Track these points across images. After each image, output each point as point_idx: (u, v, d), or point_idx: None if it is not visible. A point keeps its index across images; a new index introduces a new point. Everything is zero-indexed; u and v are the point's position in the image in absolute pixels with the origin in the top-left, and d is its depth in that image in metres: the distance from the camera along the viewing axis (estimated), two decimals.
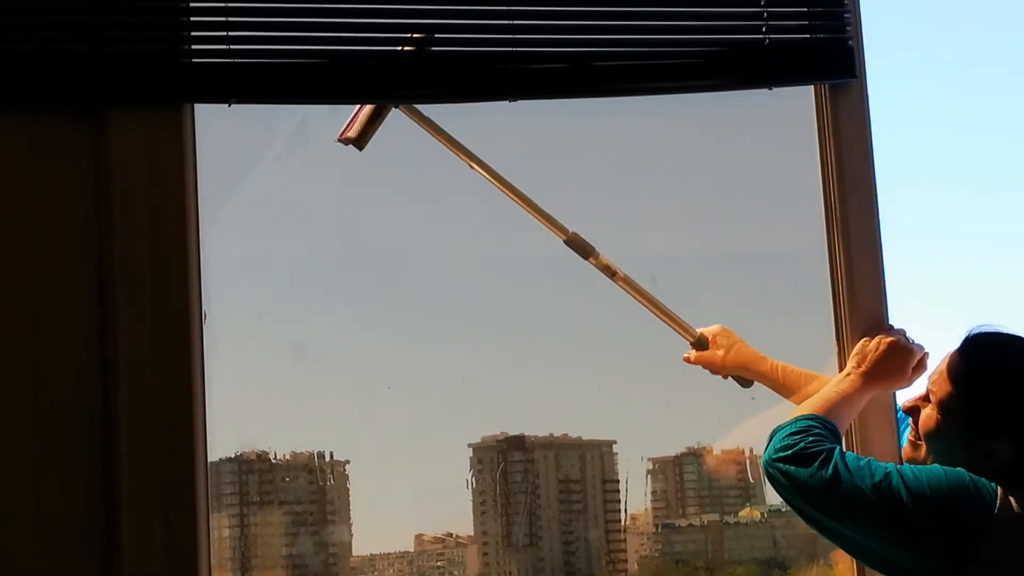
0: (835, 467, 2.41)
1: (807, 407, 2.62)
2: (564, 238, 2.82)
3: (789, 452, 2.46)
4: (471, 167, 2.79)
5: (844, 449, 2.53)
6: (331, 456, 3.51)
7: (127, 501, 2.45)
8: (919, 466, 2.50)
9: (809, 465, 2.42)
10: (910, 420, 2.66)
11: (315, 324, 3.03)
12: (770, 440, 2.55)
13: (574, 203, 3.19)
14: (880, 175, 2.92)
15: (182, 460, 2.52)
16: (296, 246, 2.99)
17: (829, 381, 2.74)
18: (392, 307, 3.13)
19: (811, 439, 2.48)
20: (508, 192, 2.80)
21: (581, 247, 2.83)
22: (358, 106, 2.74)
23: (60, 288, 2.47)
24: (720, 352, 2.92)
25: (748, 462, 3.63)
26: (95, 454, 2.46)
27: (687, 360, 2.94)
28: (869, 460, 2.48)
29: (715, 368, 2.93)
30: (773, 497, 3.59)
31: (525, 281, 3.20)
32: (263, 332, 2.95)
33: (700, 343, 2.92)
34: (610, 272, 2.84)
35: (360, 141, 2.73)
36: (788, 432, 2.52)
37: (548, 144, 3.19)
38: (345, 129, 2.74)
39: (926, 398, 2.61)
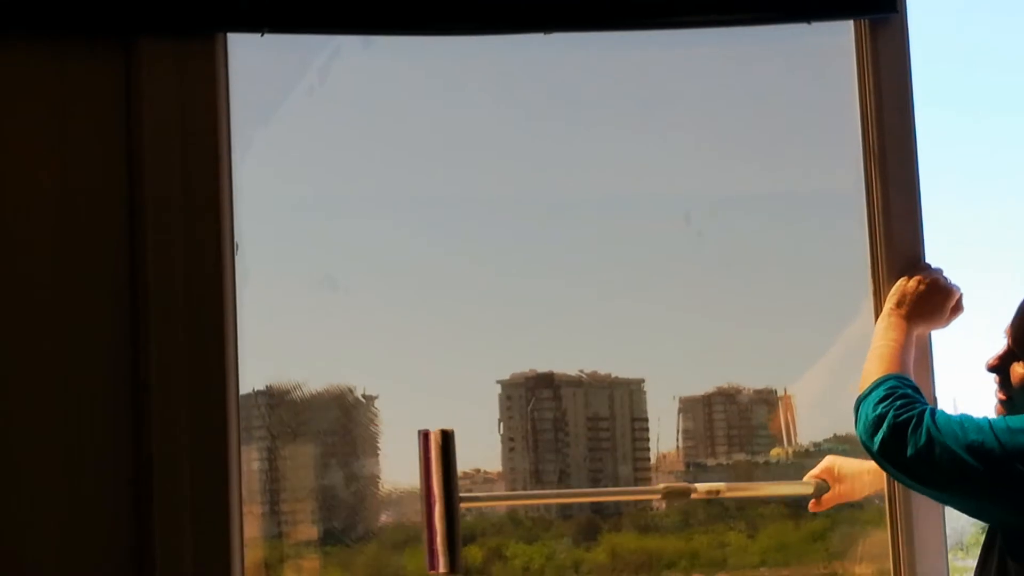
0: (928, 433, 2.38)
1: (879, 365, 2.58)
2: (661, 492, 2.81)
3: (885, 428, 2.42)
4: None
5: (933, 407, 2.49)
6: (362, 390, 3.50)
7: (157, 435, 2.45)
8: (1013, 417, 2.45)
9: (903, 438, 2.39)
10: (995, 379, 2.60)
11: (346, 258, 3.01)
12: (857, 412, 2.51)
13: (606, 142, 3.16)
14: (919, 113, 2.89)
15: (213, 392, 2.52)
16: (328, 179, 2.97)
17: None
18: (422, 243, 3.12)
19: (899, 403, 2.44)
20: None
21: (680, 493, 2.82)
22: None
23: (90, 221, 2.46)
24: (842, 485, 2.97)
25: (780, 402, 3.61)
26: (126, 387, 2.46)
27: (816, 510, 3.03)
28: (961, 418, 2.43)
29: (853, 497, 2.95)
30: (804, 438, 3.58)
31: (556, 219, 3.18)
32: (294, 265, 2.93)
33: (819, 489, 2.97)
34: (715, 492, 2.87)
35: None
36: (875, 401, 2.48)
37: (581, 81, 3.16)
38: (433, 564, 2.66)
39: (1009, 354, 2.55)
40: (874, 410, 2.43)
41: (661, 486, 2.79)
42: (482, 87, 2.88)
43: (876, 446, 2.40)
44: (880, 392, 2.46)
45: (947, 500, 2.48)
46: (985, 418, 2.43)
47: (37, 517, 2.39)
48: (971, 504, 2.42)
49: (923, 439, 2.34)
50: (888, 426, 2.39)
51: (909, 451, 2.34)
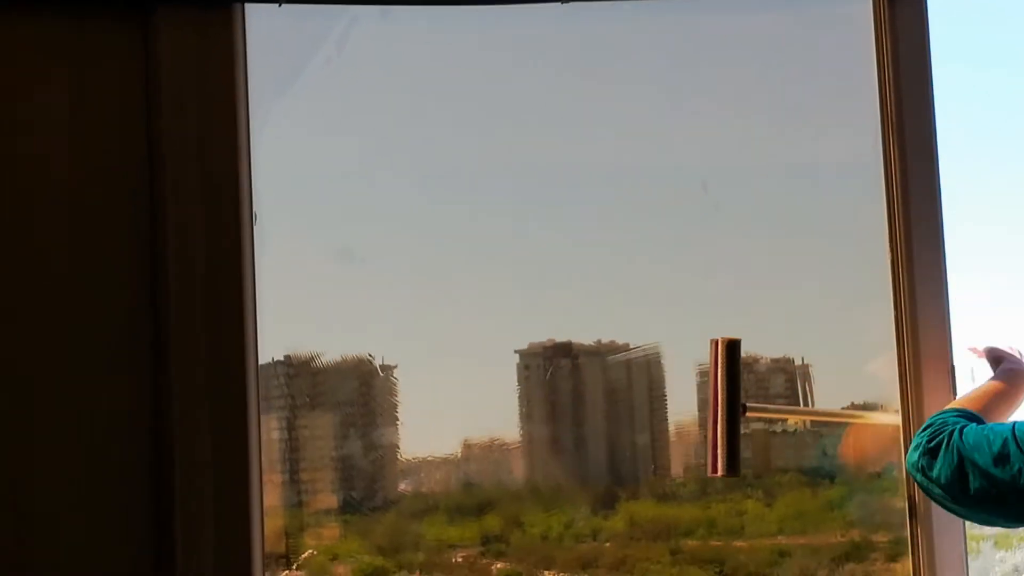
0: (957, 451, 2.37)
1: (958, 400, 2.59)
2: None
3: (918, 456, 2.44)
4: None
5: (964, 424, 2.47)
6: (380, 360, 3.51)
7: (177, 402, 2.46)
8: None
9: (935, 460, 2.40)
10: None
11: (364, 227, 3.01)
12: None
13: (623, 111, 3.16)
14: (937, 72, 2.88)
15: (232, 362, 2.53)
16: (346, 149, 2.97)
17: None
18: (441, 212, 3.12)
19: (932, 430, 2.46)
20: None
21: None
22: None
23: (108, 192, 2.47)
24: None
25: (797, 371, 3.61)
26: (146, 356, 2.47)
27: None
28: (989, 428, 2.43)
29: None
30: (822, 405, 3.58)
31: (574, 188, 3.18)
32: (313, 234, 2.94)
33: None
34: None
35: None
36: (921, 430, 2.50)
37: (598, 50, 3.15)
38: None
39: None
40: (916, 439, 2.44)
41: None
42: (500, 56, 2.88)
43: (914, 473, 2.41)
44: (927, 422, 2.47)
45: (991, 519, 2.47)
46: (1011, 424, 2.41)
47: (57, 484, 2.41)
48: (1012, 513, 2.40)
49: (954, 459, 2.35)
50: (920, 453, 2.40)
51: (942, 473, 2.34)
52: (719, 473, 2.73)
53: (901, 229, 2.81)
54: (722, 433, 2.74)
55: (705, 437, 3.65)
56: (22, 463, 2.38)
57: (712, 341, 2.77)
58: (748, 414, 2.77)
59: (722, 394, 2.75)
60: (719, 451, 2.74)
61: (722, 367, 2.74)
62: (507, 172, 3.23)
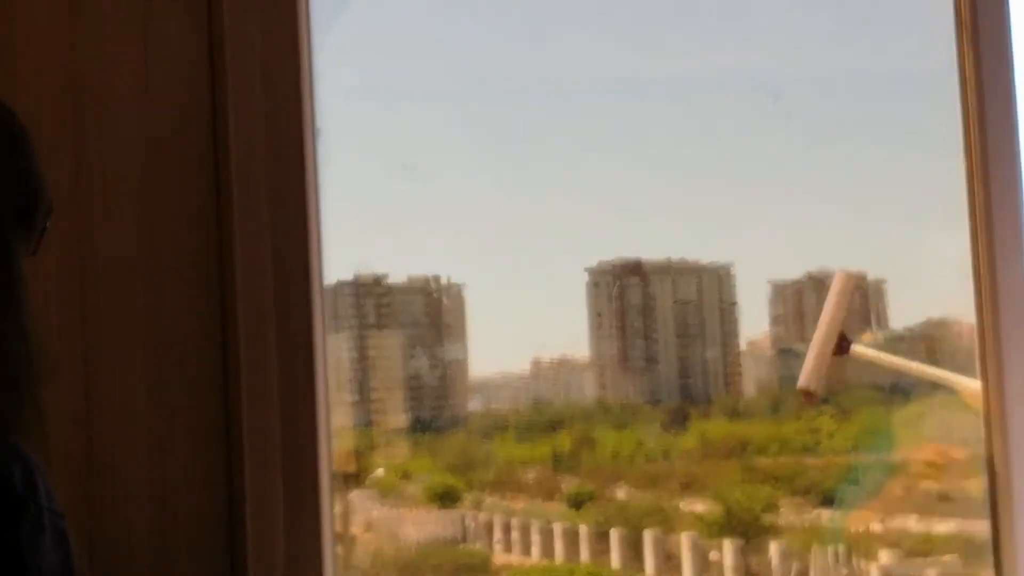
0: None
1: None
2: None
3: None
4: None
5: None
6: (447, 279, 3.50)
7: (243, 324, 2.45)
8: None
9: None
10: None
11: (429, 143, 2.99)
12: None
13: (694, 21, 3.11)
14: None
15: (298, 282, 2.52)
16: (409, 64, 2.94)
17: None
18: (507, 128, 3.08)
19: None
20: None
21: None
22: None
23: (173, 112, 2.45)
24: None
25: (872, 286, 3.57)
26: (210, 276, 2.46)
27: None
28: None
29: None
30: (895, 322, 3.53)
31: (643, 101, 3.13)
32: (376, 150, 2.92)
33: None
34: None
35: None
36: None
37: None
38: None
39: None
40: None
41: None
42: None
43: None
44: None
45: None
46: None
47: (134, 397, 2.41)
48: None
49: None
50: None
51: None
52: (800, 385, 2.71)
53: (976, 138, 2.74)
54: (816, 351, 2.71)
55: (781, 351, 3.61)
56: (93, 385, 2.39)
57: (839, 274, 2.73)
58: (850, 351, 2.75)
59: (832, 324, 2.72)
60: (808, 365, 2.71)
61: (838, 297, 2.72)
62: (575, 87, 3.19)
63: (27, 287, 1.52)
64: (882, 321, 3.66)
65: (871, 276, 3.51)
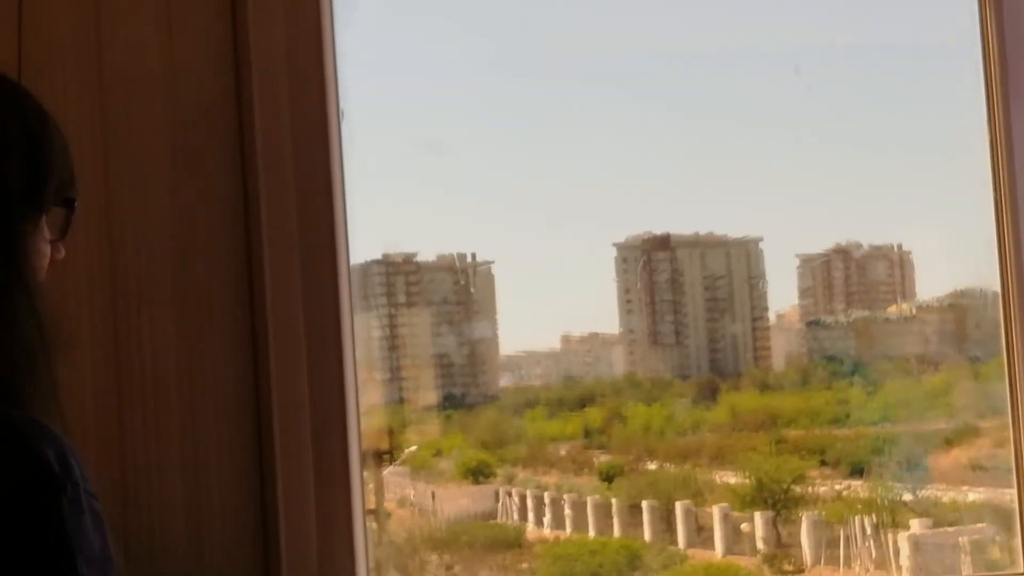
0: None
1: None
2: None
3: None
4: None
5: None
6: (474, 257, 3.52)
7: (271, 304, 2.47)
8: None
9: None
10: None
11: (454, 120, 3.00)
12: None
13: None
14: None
15: (325, 262, 2.54)
16: (432, 41, 2.96)
17: None
18: (533, 103, 3.10)
19: None
20: None
21: None
22: None
23: (198, 96, 2.48)
24: None
25: (898, 257, 3.57)
26: (237, 258, 2.48)
27: None
28: None
29: None
30: (924, 292, 3.53)
31: (671, 75, 3.14)
32: (401, 129, 2.93)
33: None
34: None
35: None
36: None
37: None
38: None
39: None
40: None
41: None
42: None
43: None
44: None
45: None
46: None
47: (164, 378, 2.45)
48: None
49: None
50: None
51: None
52: None
53: (1000, 110, 2.74)
54: None
55: (809, 323, 3.62)
56: (124, 368, 2.42)
57: None
58: None
59: None
60: None
61: None
62: (600, 62, 3.20)
63: (38, 263, 1.52)
64: (908, 293, 3.67)
65: (897, 248, 3.51)
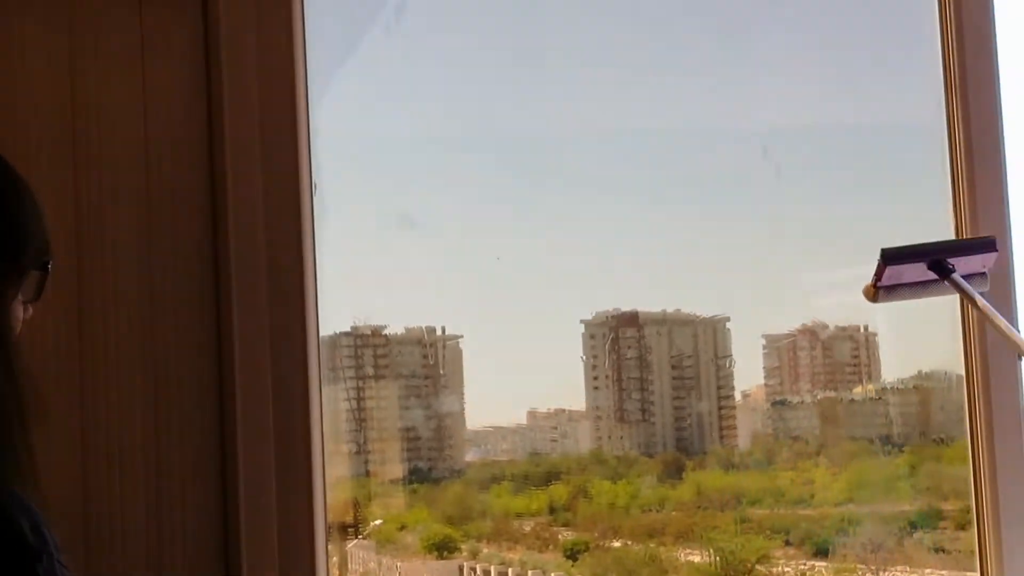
0: None
1: None
2: None
3: None
4: None
5: None
6: (443, 331, 3.52)
7: (239, 373, 2.48)
8: None
9: None
10: None
11: (424, 197, 3.02)
12: None
13: (682, 71, 3.14)
14: (1002, 44, 2.84)
15: (294, 335, 2.55)
16: (405, 117, 2.98)
17: None
18: (502, 180, 3.12)
19: None
20: None
21: None
22: None
23: (173, 167, 2.49)
24: None
25: (864, 339, 3.59)
26: (207, 327, 2.49)
27: None
28: None
29: None
30: (888, 374, 3.55)
31: (635, 154, 3.17)
32: (373, 203, 2.95)
33: None
34: None
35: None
36: None
37: (656, 10, 3.13)
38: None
39: None
40: None
41: None
42: (554, 19, 2.87)
43: None
44: None
45: None
46: None
47: (131, 447, 2.44)
48: None
49: None
50: None
51: None
52: None
53: (965, 195, 2.78)
54: None
55: (775, 403, 3.64)
56: (90, 430, 2.42)
57: None
58: None
59: None
60: None
61: None
62: (569, 140, 3.22)
63: (15, 329, 1.53)
64: (874, 374, 3.68)
65: (863, 329, 3.54)
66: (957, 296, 2.69)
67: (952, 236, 2.81)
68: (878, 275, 2.35)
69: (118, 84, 2.49)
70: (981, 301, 2.31)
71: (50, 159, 2.44)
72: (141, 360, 2.47)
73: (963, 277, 2.32)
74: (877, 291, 2.40)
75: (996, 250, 2.37)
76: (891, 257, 2.33)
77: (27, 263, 1.54)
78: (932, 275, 2.33)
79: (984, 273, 2.41)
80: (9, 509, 1.34)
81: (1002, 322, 2.28)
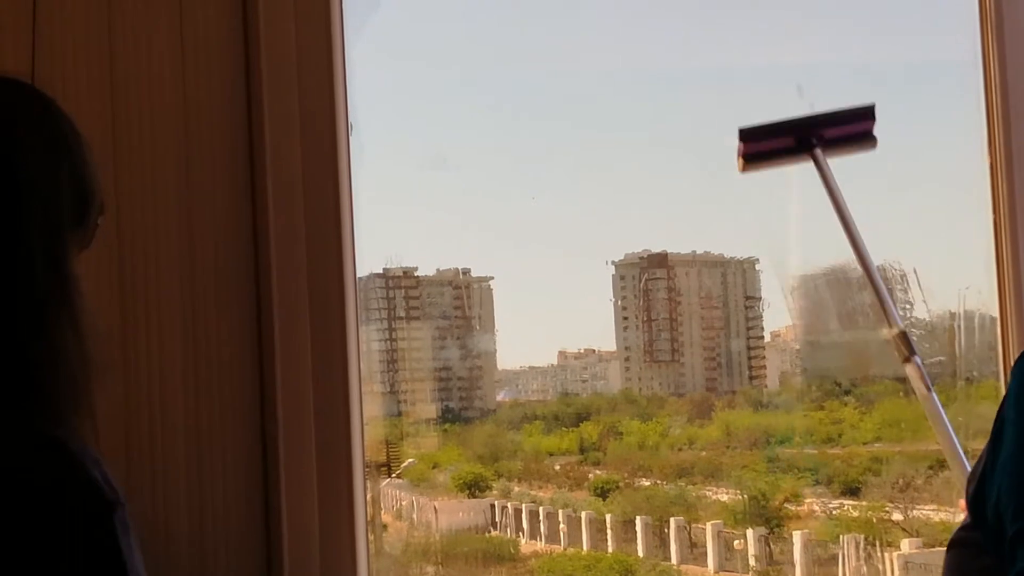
0: None
1: None
2: (894, 332, 2.41)
3: None
4: None
5: None
6: (476, 273, 3.54)
7: (278, 316, 2.49)
8: None
9: None
10: None
11: (458, 140, 3.03)
12: None
13: (716, 11, 3.14)
14: None
15: (331, 274, 2.55)
16: (438, 59, 2.98)
17: None
18: (536, 122, 3.12)
19: None
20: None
21: (903, 347, 2.39)
22: None
23: (209, 108, 2.49)
24: None
25: (898, 277, 3.59)
26: (248, 271, 2.50)
27: None
28: None
29: None
30: (918, 313, 3.56)
31: (669, 97, 3.17)
32: (407, 146, 2.96)
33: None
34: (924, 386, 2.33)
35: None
36: None
37: None
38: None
39: None
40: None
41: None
42: None
43: None
44: None
45: None
46: None
47: (173, 400, 2.46)
48: None
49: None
50: None
51: None
52: None
53: (1000, 132, 2.77)
54: None
55: (804, 343, 3.65)
56: (132, 379, 2.44)
57: None
58: None
59: None
60: None
61: None
62: (600, 81, 3.22)
63: (81, 285, 1.55)
64: (907, 312, 3.69)
65: (895, 267, 3.54)
66: (992, 237, 2.70)
67: (987, 174, 2.80)
68: (739, 152, 2.41)
69: (155, 24, 2.49)
70: (834, 190, 2.36)
71: (89, 100, 2.45)
72: (179, 299, 2.48)
73: (842, 139, 2.36)
74: (744, 164, 2.46)
75: (870, 119, 2.39)
76: (747, 136, 2.38)
77: (92, 220, 1.57)
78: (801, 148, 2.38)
79: (870, 134, 2.42)
80: (84, 460, 1.36)
81: (850, 219, 2.30)
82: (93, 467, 1.36)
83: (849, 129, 2.42)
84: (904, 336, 2.37)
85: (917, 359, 2.33)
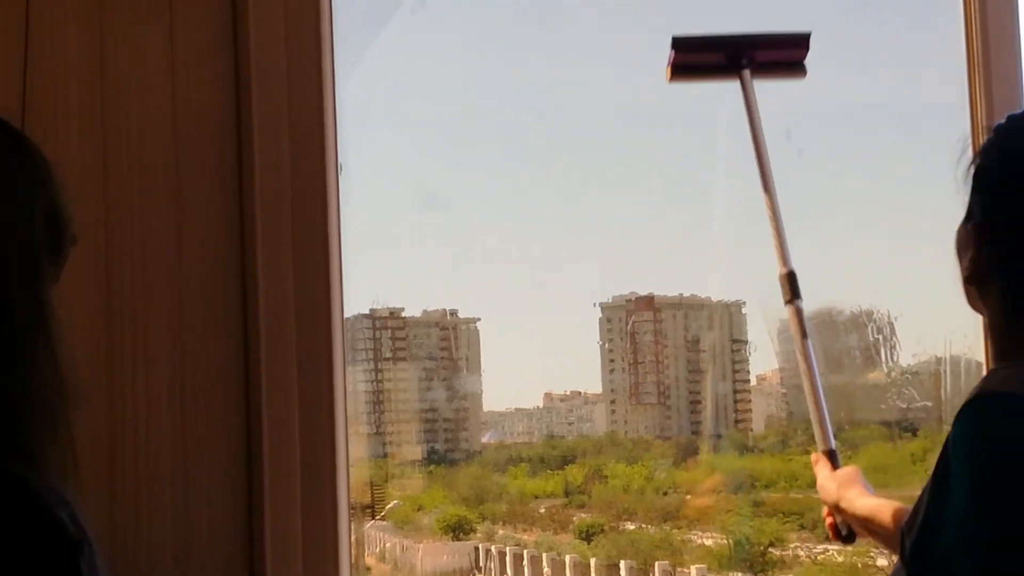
0: None
1: None
2: (783, 271, 2.33)
3: None
4: None
5: None
6: (463, 313, 3.54)
7: (265, 356, 2.47)
8: None
9: None
10: None
11: (447, 181, 3.03)
12: None
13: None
14: None
15: (319, 314, 2.54)
16: (430, 98, 2.99)
17: None
18: (524, 164, 3.13)
19: None
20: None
21: (788, 288, 2.31)
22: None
23: (200, 146, 2.48)
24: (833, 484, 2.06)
25: (875, 323, 3.59)
26: (234, 308, 2.48)
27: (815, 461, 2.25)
28: None
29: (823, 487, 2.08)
30: (903, 359, 3.56)
31: (659, 138, 3.18)
32: (397, 184, 2.96)
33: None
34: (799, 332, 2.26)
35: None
36: None
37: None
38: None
39: None
40: None
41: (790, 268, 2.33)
42: (580, 7, 2.87)
43: None
44: None
45: None
46: None
47: (159, 440, 2.44)
48: None
49: None
50: None
51: None
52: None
53: None
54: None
55: (790, 387, 3.64)
56: (118, 413, 2.42)
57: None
58: None
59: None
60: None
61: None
62: (594, 127, 3.23)
63: (57, 316, 1.53)
64: (893, 357, 3.69)
65: (881, 312, 3.54)
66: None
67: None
68: (669, 60, 2.40)
69: (147, 55, 2.49)
70: (754, 115, 2.35)
71: (79, 131, 2.44)
72: (167, 336, 2.46)
73: (773, 64, 2.36)
74: (672, 73, 2.45)
75: (804, 47, 2.38)
76: (680, 46, 2.37)
77: (66, 247, 1.55)
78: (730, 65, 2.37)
79: (801, 64, 2.43)
80: (49, 501, 1.35)
81: (764, 147, 2.29)
82: (60, 508, 1.34)
83: (782, 54, 2.42)
84: (791, 276, 2.32)
85: (799, 302, 2.28)
